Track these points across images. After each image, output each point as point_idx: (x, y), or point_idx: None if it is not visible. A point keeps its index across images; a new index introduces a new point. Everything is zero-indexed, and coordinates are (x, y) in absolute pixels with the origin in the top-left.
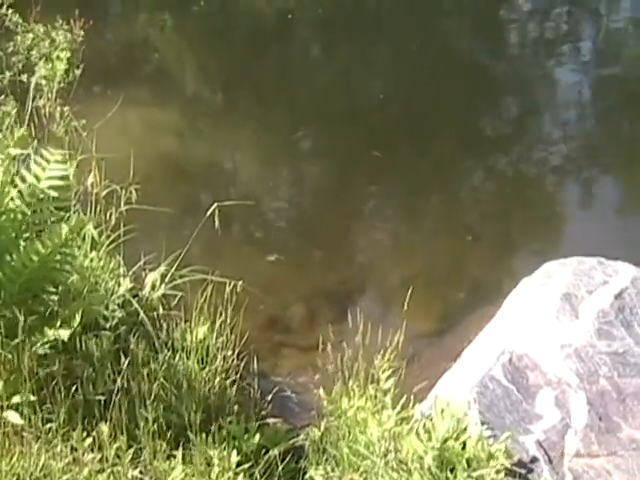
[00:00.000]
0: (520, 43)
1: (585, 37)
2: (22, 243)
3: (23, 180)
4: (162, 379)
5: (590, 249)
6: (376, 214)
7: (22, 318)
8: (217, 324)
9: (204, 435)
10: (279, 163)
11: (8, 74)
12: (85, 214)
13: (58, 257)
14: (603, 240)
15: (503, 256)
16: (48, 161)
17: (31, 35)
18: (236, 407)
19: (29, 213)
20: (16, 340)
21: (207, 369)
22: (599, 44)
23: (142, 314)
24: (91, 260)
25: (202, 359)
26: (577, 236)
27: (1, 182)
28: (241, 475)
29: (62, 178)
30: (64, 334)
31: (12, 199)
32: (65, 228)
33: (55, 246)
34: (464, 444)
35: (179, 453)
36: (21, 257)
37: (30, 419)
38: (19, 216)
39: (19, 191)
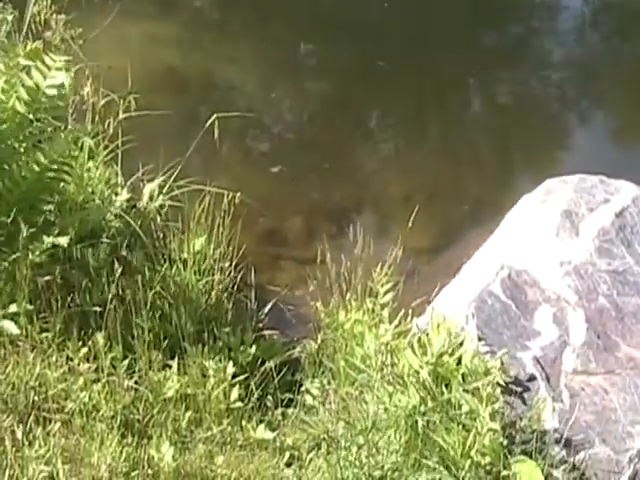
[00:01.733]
0: None
1: None
2: (22, 152)
3: (23, 86)
4: (158, 288)
5: (592, 167)
6: (378, 129)
7: (24, 227)
8: (215, 236)
9: (200, 346)
10: (281, 75)
11: None
12: (82, 124)
13: (57, 167)
14: (605, 159)
15: (504, 173)
16: (49, 68)
17: None
18: (232, 319)
19: (30, 120)
20: (15, 250)
21: (204, 280)
22: None
23: (134, 225)
24: (88, 170)
25: (199, 270)
26: (579, 154)
27: (5, 89)
28: (236, 387)
29: (62, 86)
30: (63, 241)
31: (14, 107)
32: (66, 139)
33: (56, 157)
34: (459, 359)
35: (174, 363)
36: (21, 167)
37: (26, 329)
38: (20, 124)
39: (18, 97)
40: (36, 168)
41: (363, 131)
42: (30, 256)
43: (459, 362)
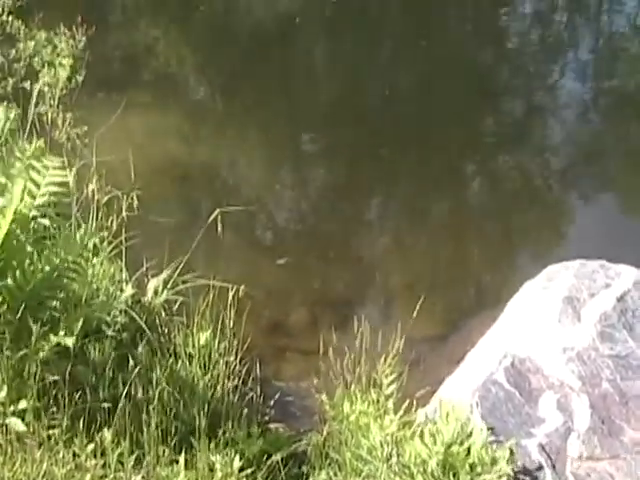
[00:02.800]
0: (521, 49)
1: (585, 44)
2: (29, 249)
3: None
4: (165, 384)
5: (592, 251)
6: (380, 216)
7: (34, 325)
8: (219, 329)
9: (207, 440)
10: (283, 167)
11: (11, 81)
12: (87, 220)
13: (69, 267)
14: (605, 242)
15: (506, 259)
16: (47, 168)
17: (33, 42)
18: (239, 412)
19: (33, 217)
20: (23, 347)
21: (210, 374)
22: (599, 51)
23: (139, 321)
24: (93, 266)
25: (205, 364)
26: (579, 238)
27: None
28: None
29: (61, 184)
30: (69, 341)
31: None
32: (81, 240)
33: (68, 257)
34: (468, 449)
35: (182, 458)
36: (31, 264)
37: (33, 425)
38: (23, 221)
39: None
40: (47, 267)
41: (366, 218)
42: (38, 354)
43: (468, 452)
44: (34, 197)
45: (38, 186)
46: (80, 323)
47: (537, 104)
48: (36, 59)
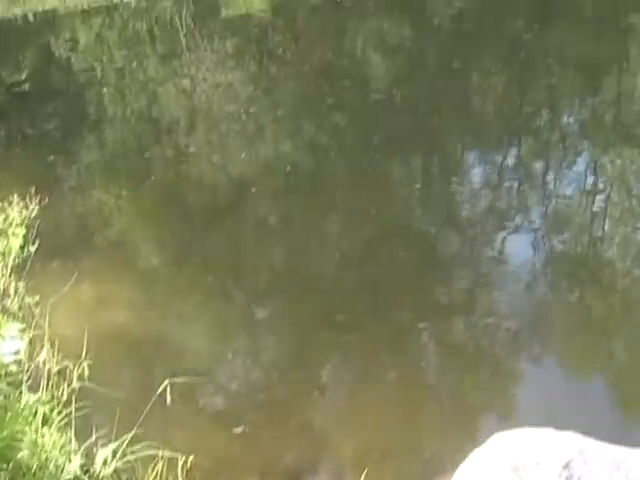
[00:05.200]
0: (470, 215)
1: (536, 207)
2: None
3: None
4: None
5: (539, 419)
6: (331, 385)
7: None
8: None
9: None
10: (234, 335)
11: None
12: (37, 390)
13: (13, 438)
14: (552, 410)
15: (454, 427)
16: (3, 337)
17: None
18: None
19: None
20: None
21: None
22: (550, 214)
23: None
24: (42, 436)
25: None
26: (526, 406)
27: None
28: None
29: (16, 353)
30: None
31: None
32: (23, 411)
33: (12, 428)
34: None
35: None
36: None
37: None
38: None
39: None
40: None
41: (317, 386)
42: None
43: None
44: None
45: None
46: None
47: (485, 271)
48: None
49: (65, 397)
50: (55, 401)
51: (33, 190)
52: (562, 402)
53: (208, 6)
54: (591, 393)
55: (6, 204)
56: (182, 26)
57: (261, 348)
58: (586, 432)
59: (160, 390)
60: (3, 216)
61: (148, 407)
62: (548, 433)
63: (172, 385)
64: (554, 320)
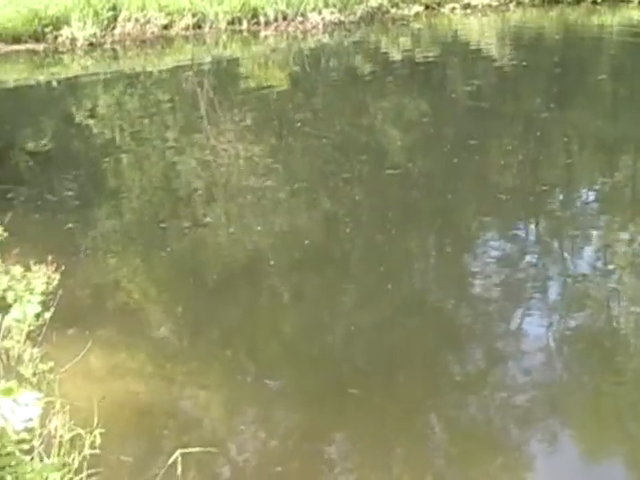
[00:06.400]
0: (484, 292)
1: (551, 285)
2: None
3: None
4: None
5: None
6: (342, 460)
7: None
8: None
9: None
10: (246, 407)
11: None
12: (48, 457)
13: None
14: None
15: None
16: (18, 403)
17: (8, 276)
18: None
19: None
20: None
21: None
22: (565, 292)
23: None
24: None
25: None
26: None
27: None
28: None
29: (30, 420)
30: None
31: None
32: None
33: None
34: None
35: None
36: None
37: None
38: None
39: None
40: None
41: (329, 460)
42: None
43: None
44: (1, 434)
45: (7, 422)
46: None
47: (498, 349)
48: (9, 294)
49: (76, 464)
50: (66, 468)
51: (50, 257)
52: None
53: (228, 77)
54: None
55: (23, 270)
56: (202, 96)
57: (273, 421)
58: None
59: (171, 460)
60: (20, 282)
61: (159, 478)
62: None
63: (183, 456)
64: (567, 402)
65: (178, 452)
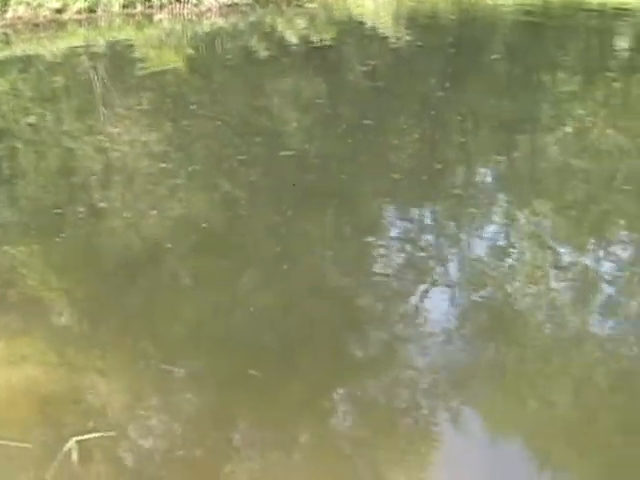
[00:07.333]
0: (385, 272)
1: (450, 263)
2: None
3: None
4: None
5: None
6: (246, 443)
7: None
8: None
9: None
10: (148, 393)
11: None
12: None
13: None
14: (464, 470)
15: None
16: None
17: None
18: None
19: None
20: None
21: None
22: (465, 270)
23: None
24: None
25: None
26: (434, 464)
27: None
28: None
29: None
30: None
31: None
32: None
33: None
34: None
35: None
36: None
37: None
38: None
39: None
40: None
41: (232, 444)
42: None
43: None
44: None
45: None
46: None
47: (401, 328)
48: None
49: None
50: None
51: None
52: (470, 462)
53: (123, 61)
54: (501, 454)
55: None
56: (97, 81)
57: (175, 406)
58: None
59: (66, 448)
60: None
61: (54, 464)
62: None
63: (84, 443)
64: (470, 380)
65: (73, 440)
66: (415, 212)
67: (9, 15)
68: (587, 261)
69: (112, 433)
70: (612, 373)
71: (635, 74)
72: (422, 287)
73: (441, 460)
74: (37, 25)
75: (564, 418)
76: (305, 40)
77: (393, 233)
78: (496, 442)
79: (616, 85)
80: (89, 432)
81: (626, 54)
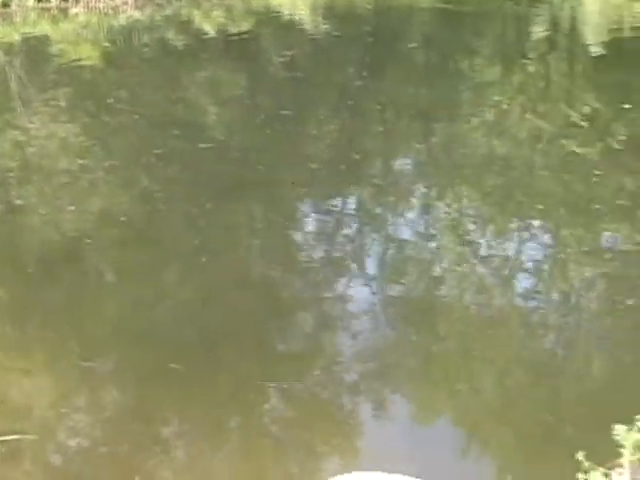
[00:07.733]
0: (308, 262)
1: (371, 253)
2: None
3: None
4: None
5: (373, 463)
6: (171, 437)
7: None
8: None
9: None
10: (70, 390)
11: None
12: None
13: None
14: (383, 454)
15: (292, 475)
16: None
17: None
18: None
19: None
20: None
21: None
22: (387, 258)
23: None
24: None
25: None
26: (357, 450)
27: None
28: None
29: None
30: None
31: None
32: None
33: None
34: None
35: None
36: None
37: None
38: None
39: None
40: None
41: (157, 438)
42: None
43: None
44: None
45: None
46: None
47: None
48: None
49: None
50: None
51: None
52: (396, 446)
53: (39, 56)
54: (425, 437)
55: None
56: (13, 76)
57: (97, 402)
58: (416, 475)
59: None
60: None
61: None
62: (378, 477)
63: (4, 443)
64: (395, 367)
65: None
66: (333, 202)
67: None
68: (507, 245)
69: (34, 433)
70: (533, 357)
71: (551, 60)
72: (343, 276)
73: (367, 446)
74: None
75: (487, 402)
76: (223, 31)
77: (312, 223)
78: (421, 426)
79: (532, 70)
80: (12, 432)
81: (542, 40)
